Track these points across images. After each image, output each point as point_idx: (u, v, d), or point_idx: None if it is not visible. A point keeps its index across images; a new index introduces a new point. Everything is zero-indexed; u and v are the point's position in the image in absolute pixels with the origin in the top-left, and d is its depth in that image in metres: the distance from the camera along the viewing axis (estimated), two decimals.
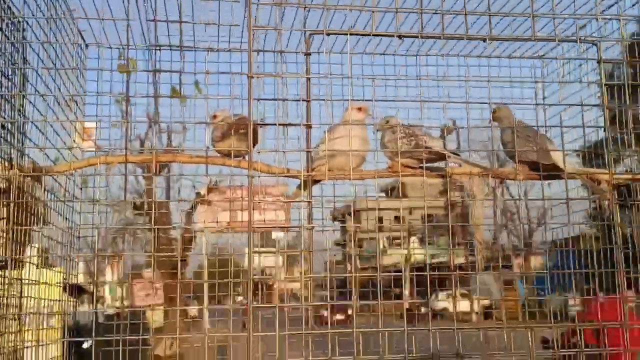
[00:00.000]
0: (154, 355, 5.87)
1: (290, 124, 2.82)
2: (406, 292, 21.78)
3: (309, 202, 2.98)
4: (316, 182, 3.29)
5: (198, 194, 6.28)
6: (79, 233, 3.38)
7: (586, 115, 3.88)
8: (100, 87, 3.43)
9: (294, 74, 3.06)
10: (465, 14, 2.97)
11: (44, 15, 3.06)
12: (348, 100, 2.99)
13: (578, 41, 3.41)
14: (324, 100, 3.17)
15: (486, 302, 24.20)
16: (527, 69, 4.08)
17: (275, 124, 2.62)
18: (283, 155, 2.85)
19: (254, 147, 3.06)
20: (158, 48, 3.04)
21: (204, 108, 3.31)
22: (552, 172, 3.46)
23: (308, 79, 2.93)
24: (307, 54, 3.00)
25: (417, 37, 3.07)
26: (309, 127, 2.94)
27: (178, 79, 2.96)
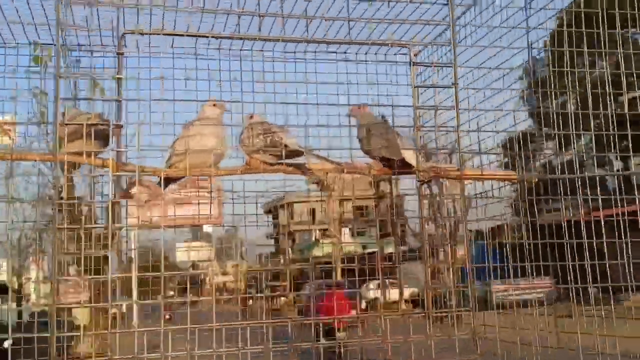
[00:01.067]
0: (74, 353, 5.75)
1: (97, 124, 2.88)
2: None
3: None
4: (172, 180, 3.25)
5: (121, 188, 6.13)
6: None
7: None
8: None
9: (102, 76, 3.02)
10: (282, 17, 3.11)
11: None
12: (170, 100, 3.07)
13: (390, 45, 3.62)
14: (136, 100, 3.11)
15: (415, 291, 24.74)
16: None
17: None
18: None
19: (105, 147, 3.08)
20: None
21: None
22: (405, 168, 3.57)
23: (119, 79, 2.98)
24: (120, 54, 3.04)
25: (231, 38, 3.25)
26: (118, 127, 2.98)
27: None
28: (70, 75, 2.68)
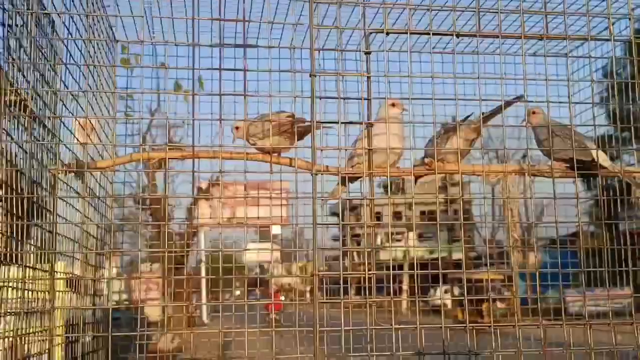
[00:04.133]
0: (157, 349, 5.92)
1: (352, 122, 2.88)
2: (404, 287, 21.81)
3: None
4: (355, 179, 3.30)
5: (200, 189, 6.29)
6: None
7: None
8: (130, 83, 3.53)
9: (354, 73, 3.07)
10: (522, 13, 2.99)
11: (77, 11, 3.10)
12: (408, 98, 2.95)
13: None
14: (384, 98, 3.29)
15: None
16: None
17: (337, 122, 2.62)
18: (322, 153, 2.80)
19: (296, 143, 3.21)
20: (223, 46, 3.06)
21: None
22: (588, 169, 3.48)
23: (369, 78, 2.92)
24: (367, 53, 2.97)
25: (475, 35, 3.03)
26: (370, 125, 2.96)
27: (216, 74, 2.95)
28: (321, 73, 2.71)
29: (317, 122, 2.57)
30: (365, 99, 2.85)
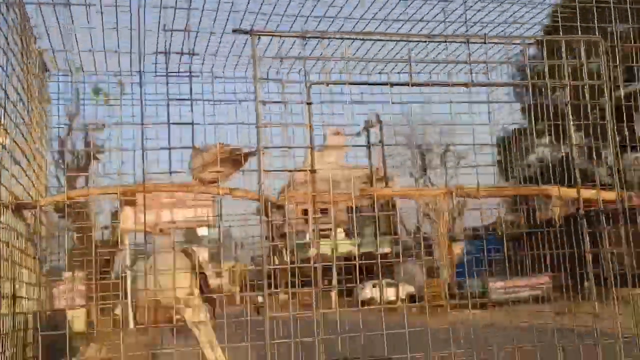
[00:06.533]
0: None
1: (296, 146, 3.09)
2: (334, 282, 21.96)
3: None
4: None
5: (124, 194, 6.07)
6: None
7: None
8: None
9: (299, 124, 3.19)
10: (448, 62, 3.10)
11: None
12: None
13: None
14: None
15: (411, 289, 24.73)
16: None
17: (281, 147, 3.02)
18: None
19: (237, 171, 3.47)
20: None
21: (129, 108, 3.32)
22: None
23: (310, 127, 3.20)
24: (309, 104, 3.16)
25: (407, 85, 3.29)
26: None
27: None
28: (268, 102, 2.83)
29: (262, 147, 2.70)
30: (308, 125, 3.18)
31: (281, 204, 3.61)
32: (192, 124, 2.86)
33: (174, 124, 2.96)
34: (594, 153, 3.55)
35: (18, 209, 2.77)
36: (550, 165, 4.01)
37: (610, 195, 3.73)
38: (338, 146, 3.73)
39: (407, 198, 3.89)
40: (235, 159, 3.48)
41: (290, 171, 3.13)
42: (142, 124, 2.78)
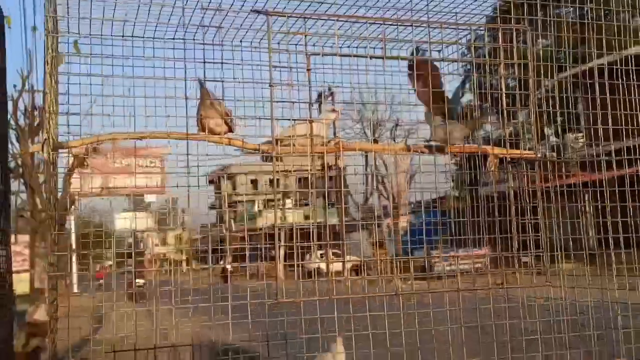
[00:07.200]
0: (29, 323, 5.66)
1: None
2: (281, 252, 22.14)
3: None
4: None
5: (75, 157, 5.93)
6: None
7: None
8: None
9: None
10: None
11: None
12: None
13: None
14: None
15: (355, 259, 25.16)
16: None
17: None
18: None
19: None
20: None
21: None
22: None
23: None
24: (308, 70, 3.74)
25: (382, 58, 3.97)
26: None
27: None
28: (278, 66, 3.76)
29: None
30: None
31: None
32: (222, 80, 3.77)
33: (208, 80, 3.80)
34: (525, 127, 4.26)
35: None
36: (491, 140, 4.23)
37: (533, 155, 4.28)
38: (326, 120, 4.34)
39: (369, 152, 4.40)
40: (229, 125, 3.99)
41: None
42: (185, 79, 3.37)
